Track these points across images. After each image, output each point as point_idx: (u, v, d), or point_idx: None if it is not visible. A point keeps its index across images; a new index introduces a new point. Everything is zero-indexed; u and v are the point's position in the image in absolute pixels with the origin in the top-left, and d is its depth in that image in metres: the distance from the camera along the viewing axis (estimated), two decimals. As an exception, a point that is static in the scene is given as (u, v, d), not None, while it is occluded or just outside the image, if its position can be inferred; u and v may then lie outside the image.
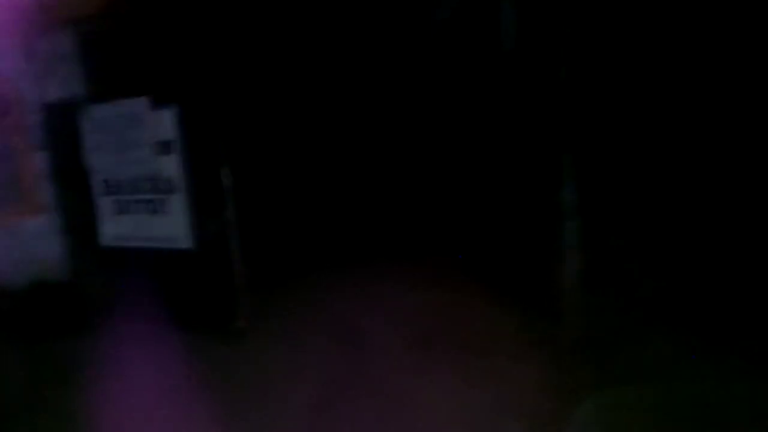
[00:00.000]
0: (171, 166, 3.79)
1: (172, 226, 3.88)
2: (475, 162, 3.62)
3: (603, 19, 2.86)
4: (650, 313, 3.10)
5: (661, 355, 2.90)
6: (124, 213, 4.12)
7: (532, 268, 3.28)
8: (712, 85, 2.82)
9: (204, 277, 3.87)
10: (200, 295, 3.91)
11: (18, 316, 4.43)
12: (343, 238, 4.90)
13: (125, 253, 4.20)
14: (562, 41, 2.82)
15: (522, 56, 3.06)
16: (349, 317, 4.08)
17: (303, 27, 4.62)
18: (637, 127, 2.99)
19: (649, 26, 2.90)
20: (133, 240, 4.12)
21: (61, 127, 4.33)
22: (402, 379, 3.16)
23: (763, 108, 2.76)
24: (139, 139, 3.88)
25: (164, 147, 3.79)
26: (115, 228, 4.21)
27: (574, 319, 3.11)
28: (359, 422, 2.82)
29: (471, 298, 3.75)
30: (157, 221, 3.95)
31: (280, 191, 3.95)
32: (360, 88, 4.88)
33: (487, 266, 3.71)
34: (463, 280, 3.85)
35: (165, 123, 3.74)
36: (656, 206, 3.01)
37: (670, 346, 2.93)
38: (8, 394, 3.45)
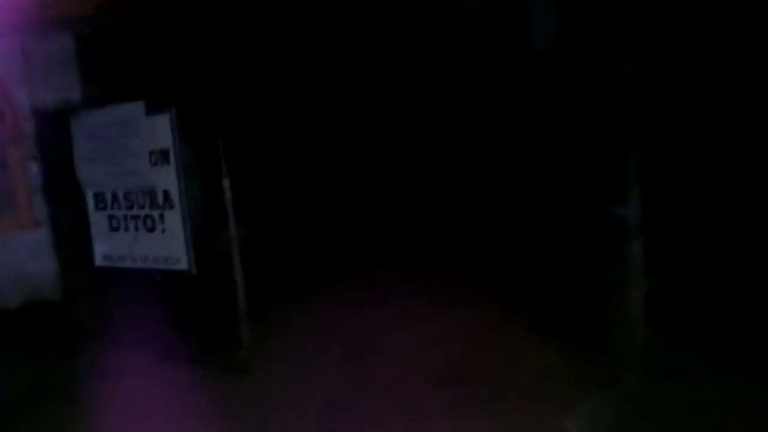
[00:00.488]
0: (167, 178, 3.37)
1: (168, 245, 3.46)
2: (521, 169, 3.12)
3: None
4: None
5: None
6: (118, 230, 3.72)
7: (587, 295, 2.77)
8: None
9: (203, 302, 3.44)
10: (199, 321, 3.48)
11: (6, 338, 4.05)
12: (356, 253, 4.44)
13: (120, 274, 3.81)
14: (625, 31, 2.34)
15: (579, 50, 2.58)
16: (365, 345, 3.62)
17: (315, 25, 4.19)
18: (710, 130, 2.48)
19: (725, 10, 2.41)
20: (127, 260, 3.71)
21: (53, 136, 3.97)
22: (425, 425, 2.67)
23: None
24: (133, 148, 3.48)
25: (160, 156, 3.38)
26: (109, 246, 3.81)
27: (639, 356, 2.59)
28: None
29: (510, 326, 3.22)
30: (153, 239, 3.53)
31: (284, 204, 3.51)
32: (376, 89, 4.41)
33: (529, 289, 3.19)
34: (501, 305, 3.33)
35: (161, 130, 3.34)
36: (737, 223, 2.49)
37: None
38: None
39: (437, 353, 3.36)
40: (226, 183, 3.23)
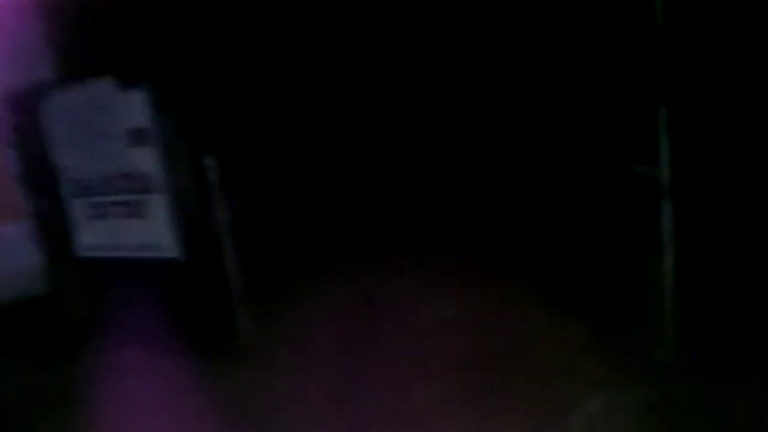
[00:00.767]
0: (147, 159, 3.11)
1: (154, 232, 3.22)
2: (533, 123, 2.80)
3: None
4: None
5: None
6: (100, 218, 3.48)
7: (611, 265, 2.52)
8: None
9: (196, 289, 3.21)
10: (194, 310, 3.26)
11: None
12: (360, 234, 4.16)
13: (107, 265, 3.58)
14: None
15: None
16: (369, 330, 3.38)
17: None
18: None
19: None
20: (112, 249, 3.48)
21: (28, 121, 3.69)
22: (439, 414, 2.45)
23: None
24: (108, 128, 3.21)
25: (137, 136, 3.11)
26: (92, 236, 3.58)
27: (669, 332, 2.35)
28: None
29: (533, 302, 2.95)
30: (137, 226, 3.29)
31: (280, 183, 3.23)
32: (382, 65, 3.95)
33: (548, 263, 2.91)
34: (517, 282, 3.03)
35: (137, 107, 3.06)
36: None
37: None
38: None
39: (443, 340, 3.11)
40: (210, 161, 2.97)
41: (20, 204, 4.09)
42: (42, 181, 3.73)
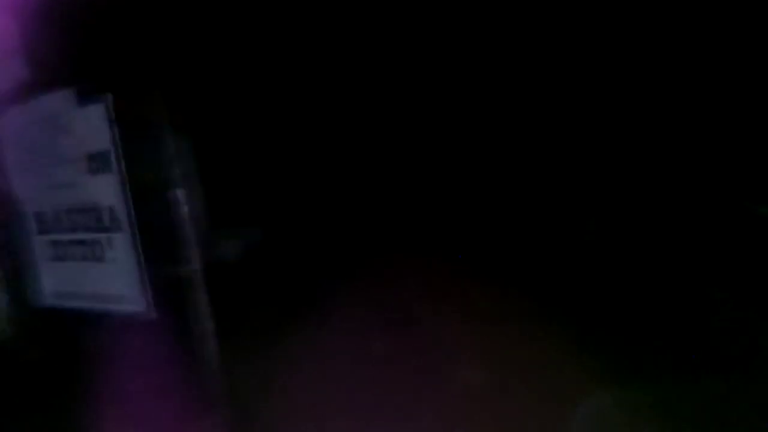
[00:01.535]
0: (108, 189, 2.50)
1: (119, 280, 2.60)
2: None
3: None
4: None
5: None
6: (61, 259, 2.88)
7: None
8: None
9: (163, 355, 2.57)
10: (159, 380, 2.62)
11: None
12: (341, 283, 3.67)
13: (74, 314, 2.98)
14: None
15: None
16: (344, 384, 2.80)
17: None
18: None
19: None
20: (77, 298, 2.88)
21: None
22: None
23: None
24: (65, 151, 2.63)
25: (99, 161, 2.52)
26: (56, 280, 2.98)
27: None
28: None
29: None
30: (102, 272, 2.68)
31: (260, 218, 2.62)
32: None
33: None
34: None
35: (96, 125, 2.47)
36: None
37: None
38: None
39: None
40: (179, 194, 2.34)
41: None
42: (7, 214, 3.17)
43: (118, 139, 2.42)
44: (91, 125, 2.47)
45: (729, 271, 3.00)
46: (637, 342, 2.89)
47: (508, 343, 3.09)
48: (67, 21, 2.48)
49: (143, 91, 2.40)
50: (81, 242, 2.71)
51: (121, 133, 2.43)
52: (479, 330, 3.42)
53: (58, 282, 2.94)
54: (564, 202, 4.00)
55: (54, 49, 2.56)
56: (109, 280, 2.62)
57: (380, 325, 3.62)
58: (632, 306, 3.36)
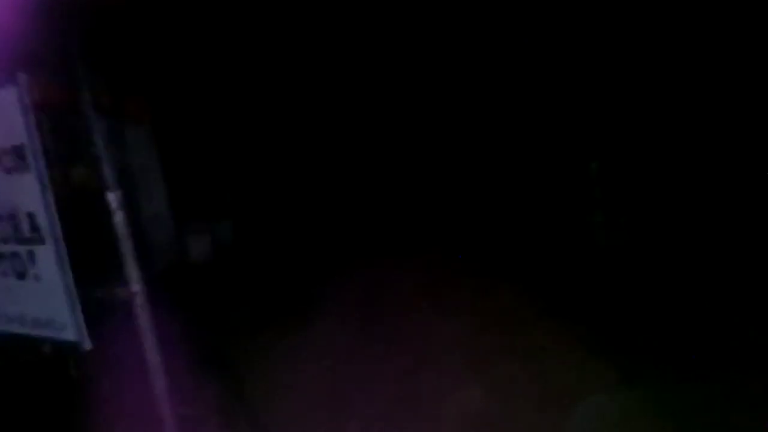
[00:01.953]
0: (29, 192, 2.04)
1: (46, 301, 2.14)
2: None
3: None
4: None
5: None
6: (-15, 276, 2.41)
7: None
8: None
9: (102, 393, 2.12)
10: (108, 417, 2.17)
11: None
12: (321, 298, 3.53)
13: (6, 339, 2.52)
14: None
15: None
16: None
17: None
18: None
19: None
20: (2, 321, 2.41)
21: None
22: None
23: None
24: (-25, 147, 2.15)
25: (12, 158, 2.05)
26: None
27: None
28: None
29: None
30: (27, 291, 2.22)
31: (232, 213, 2.21)
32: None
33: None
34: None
35: (8, 114, 2.00)
36: None
37: None
38: None
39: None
40: (115, 197, 1.89)
41: None
42: None
43: (35, 131, 1.96)
44: (3, 114, 2.00)
45: (729, 271, 3.02)
46: (637, 342, 2.90)
47: (508, 343, 3.10)
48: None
49: (69, 73, 1.93)
50: (6, 255, 2.24)
51: (40, 123, 1.97)
52: (477, 328, 3.40)
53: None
54: (564, 201, 4.10)
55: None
56: (33, 301, 2.16)
57: (362, 323, 3.55)
58: (632, 306, 3.36)
